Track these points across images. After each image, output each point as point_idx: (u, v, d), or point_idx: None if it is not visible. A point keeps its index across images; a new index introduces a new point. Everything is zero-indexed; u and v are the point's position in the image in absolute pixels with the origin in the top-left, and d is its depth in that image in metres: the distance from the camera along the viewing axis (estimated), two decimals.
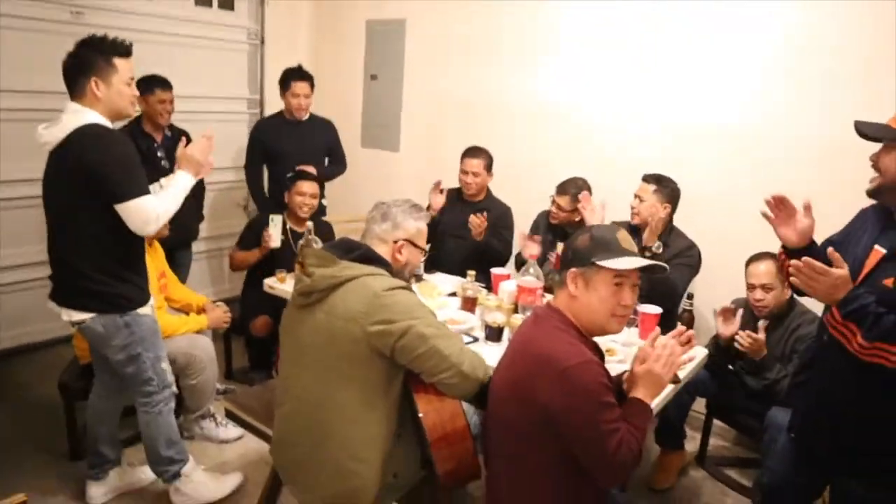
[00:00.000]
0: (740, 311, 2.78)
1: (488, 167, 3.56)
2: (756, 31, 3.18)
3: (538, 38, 3.92)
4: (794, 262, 1.69)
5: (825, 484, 2.09)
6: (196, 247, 4.21)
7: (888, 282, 1.70)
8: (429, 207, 3.45)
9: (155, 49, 4.01)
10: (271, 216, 3.35)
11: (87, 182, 2.14)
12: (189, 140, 3.74)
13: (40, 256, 3.67)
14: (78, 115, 2.18)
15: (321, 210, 4.09)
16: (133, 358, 2.36)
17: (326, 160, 4.16)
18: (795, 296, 2.74)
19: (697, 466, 3.18)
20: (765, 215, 1.91)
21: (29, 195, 3.61)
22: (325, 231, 3.58)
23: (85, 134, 2.15)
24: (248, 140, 4.09)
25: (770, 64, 3.16)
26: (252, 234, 3.54)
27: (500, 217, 3.58)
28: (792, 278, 1.72)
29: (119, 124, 2.61)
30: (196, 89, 4.36)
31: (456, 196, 3.66)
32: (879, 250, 1.76)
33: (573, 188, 3.26)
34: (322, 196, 4.08)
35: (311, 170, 3.79)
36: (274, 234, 3.34)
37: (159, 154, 3.57)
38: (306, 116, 4.02)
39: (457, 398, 1.88)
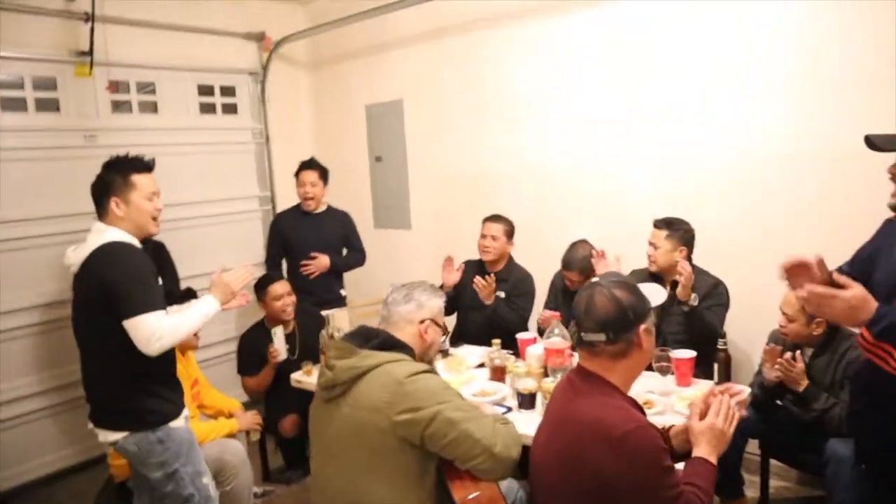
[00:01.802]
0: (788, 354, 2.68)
1: (509, 234, 3.54)
2: (750, 55, 3.18)
3: (534, 100, 3.98)
4: (799, 292, 1.63)
5: None
6: (223, 348, 4.22)
7: None
8: (442, 286, 3.44)
9: (168, 160, 4.10)
10: (273, 329, 3.31)
11: (101, 298, 2.15)
12: (165, 251, 3.79)
13: (52, 382, 3.73)
14: (100, 235, 2.23)
15: (341, 300, 4.11)
16: (171, 475, 2.28)
17: (345, 251, 4.20)
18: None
19: None
20: (784, 278, 1.82)
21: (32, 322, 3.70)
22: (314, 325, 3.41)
23: (103, 251, 2.19)
24: (269, 233, 4.19)
25: (771, 85, 3.14)
26: (250, 353, 3.47)
27: (518, 283, 3.54)
28: (806, 307, 1.67)
29: None
30: (208, 194, 4.48)
31: (476, 267, 3.63)
32: None
33: (578, 260, 3.24)
34: (341, 286, 4.15)
35: (325, 259, 3.87)
36: (279, 348, 3.30)
37: None
38: (319, 208, 4.08)
39: (492, 481, 1.82)
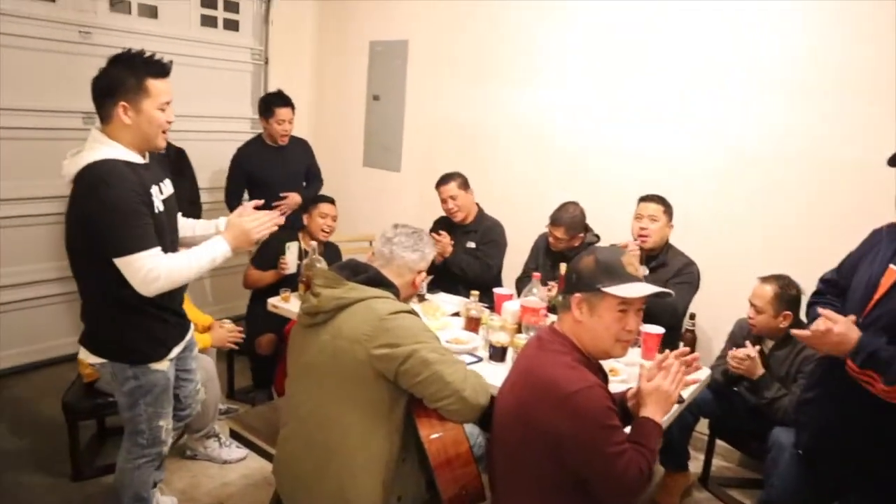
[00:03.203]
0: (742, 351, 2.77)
1: (463, 185, 3.55)
2: (751, 52, 3.21)
3: (538, 62, 3.96)
4: (797, 332, 1.84)
5: (830, 501, 2.09)
6: None
7: None
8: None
9: None
10: (287, 244, 3.33)
11: (86, 230, 1.97)
12: (186, 157, 3.74)
13: (40, 275, 3.78)
14: (95, 149, 1.99)
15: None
16: (132, 406, 2.20)
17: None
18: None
19: (701, 487, 3.17)
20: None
21: (30, 213, 3.72)
22: (332, 254, 3.61)
23: (91, 174, 1.95)
24: (231, 168, 3.98)
25: (767, 83, 3.18)
26: (267, 253, 3.50)
27: (486, 232, 3.58)
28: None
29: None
30: (201, 109, 4.41)
31: (447, 223, 3.67)
32: (895, 269, 1.78)
33: (567, 217, 3.24)
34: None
35: (296, 197, 3.86)
36: (290, 261, 3.34)
37: None
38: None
39: (458, 423, 1.89)
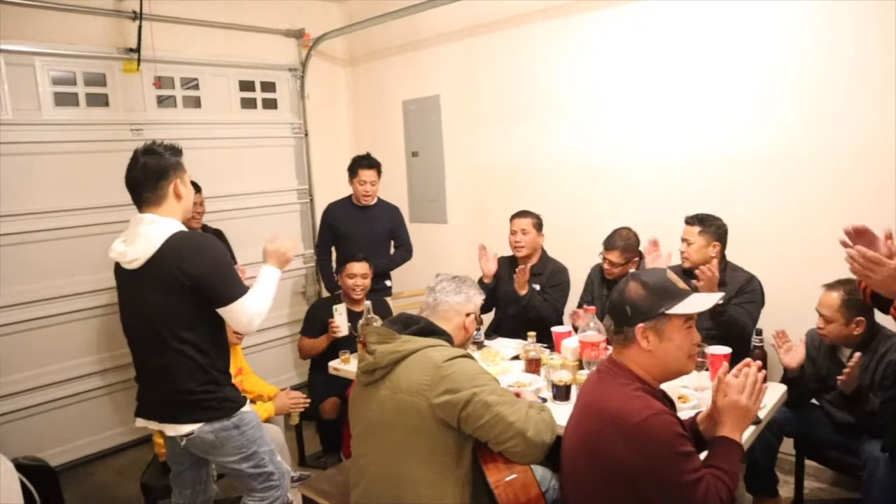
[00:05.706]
0: (802, 339, 2.66)
1: (538, 226, 3.55)
2: (781, 58, 3.17)
3: (567, 95, 4.00)
4: (848, 250, 1.64)
5: None
6: (261, 336, 4.32)
7: None
8: (481, 279, 3.49)
9: (210, 154, 4.27)
10: (335, 306, 3.42)
11: (190, 292, 2.10)
12: (224, 238, 3.90)
13: (103, 364, 3.91)
14: (160, 226, 2.11)
15: (386, 291, 4.20)
16: (250, 457, 2.30)
17: (392, 244, 4.30)
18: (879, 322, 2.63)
19: None
20: (843, 244, 1.73)
21: (93, 305, 3.90)
22: (382, 310, 3.65)
23: (184, 240, 2.12)
24: (320, 221, 4.28)
25: (800, 83, 3.13)
26: (315, 320, 3.61)
27: (552, 276, 3.55)
28: (847, 264, 1.66)
29: None
30: (248, 186, 4.60)
31: (510, 263, 3.64)
32: None
33: (620, 241, 3.23)
34: (387, 278, 4.24)
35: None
36: (341, 324, 3.41)
37: None
38: (373, 202, 4.17)
39: (525, 465, 1.85)
